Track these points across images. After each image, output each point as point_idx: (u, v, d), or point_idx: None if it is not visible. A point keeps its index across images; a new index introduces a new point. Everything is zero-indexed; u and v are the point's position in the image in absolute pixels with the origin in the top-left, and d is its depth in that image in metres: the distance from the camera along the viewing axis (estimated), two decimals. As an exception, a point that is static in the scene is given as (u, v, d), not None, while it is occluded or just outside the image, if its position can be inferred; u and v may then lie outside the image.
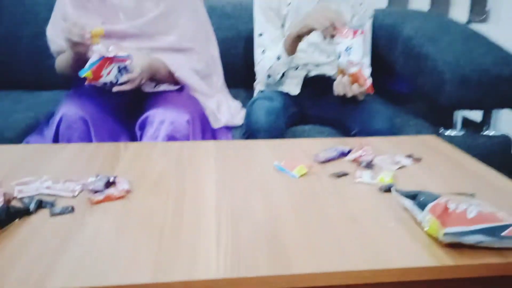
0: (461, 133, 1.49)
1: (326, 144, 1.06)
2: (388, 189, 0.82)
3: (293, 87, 1.52)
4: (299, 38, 1.36)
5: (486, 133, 1.50)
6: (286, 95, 1.50)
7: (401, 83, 1.79)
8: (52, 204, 0.73)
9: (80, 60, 1.24)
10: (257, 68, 1.54)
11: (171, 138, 1.18)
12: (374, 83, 1.30)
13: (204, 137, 1.30)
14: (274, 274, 0.58)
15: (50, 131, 1.17)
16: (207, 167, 0.92)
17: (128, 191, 0.79)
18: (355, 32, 1.24)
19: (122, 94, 1.22)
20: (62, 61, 1.38)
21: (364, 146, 1.01)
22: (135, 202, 0.77)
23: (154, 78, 1.36)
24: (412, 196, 0.73)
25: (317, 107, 1.51)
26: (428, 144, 1.10)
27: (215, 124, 1.41)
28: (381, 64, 1.70)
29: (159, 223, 0.70)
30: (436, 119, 1.53)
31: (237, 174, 0.89)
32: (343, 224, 0.71)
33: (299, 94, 1.51)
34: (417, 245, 0.65)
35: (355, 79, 1.27)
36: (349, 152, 1.00)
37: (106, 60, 1.15)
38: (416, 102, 1.72)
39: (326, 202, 0.78)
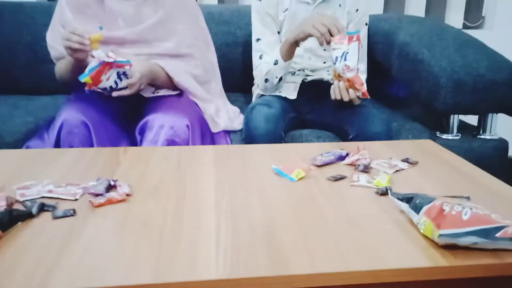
0: (458, 136, 1.50)
1: (324, 148, 1.07)
2: (384, 192, 0.84)
3: (290, 92, 1.54)
4: (296, 43, 1.38)
5: (482, 136, 1.52)
6: (284, 100, 1.51)
7: (398, 88, 1.81)
8: (54, 207, 0.74)
9: (80, 66, 1.25)
10: (255, 73, 1.56)
11: (170, 142, 1.19)
12: (371, 88, 1.32)
13: (203, 141, 1.31)
14: (272, 275, 0.59)
15: (51, 136, 1.18)
16: (206, 171, 0.94)
17: (128, 195, 0.80)
18: (350, 38, 1.25)
19: (122, 99, 1.24)
20: (61, 67, 1.39)
21: (361, 150, 1.02)
22: (136, 205, 0.78)
23: (154, 83, 1.37)
24: (408, 199, 0.75)
25: (314, 112, 1.53)
26: (424, 148, 1.11)
27: (214, 128, 1.43)
28: (377, 69, 1.72)
29: (159, 226, 0.71)
30: (432, 123, 1.55)
31: (236, 178, 0.90)
32: (341, 226, 0.72)
33: (296, 99, 1.53)
34: (414, 247, 0.67)
35: (351, 83, 1.28)
36: (346, 156, 1.02)
37: (105, 66, 1.16)
38: (413, 107, 1.73)
39: (323, 204, 0.80)
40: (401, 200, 0.76)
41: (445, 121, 1.51)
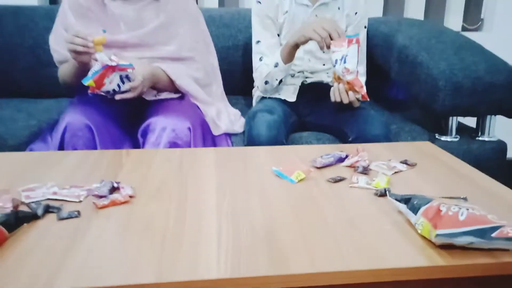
0: (456, 138, 1.51)
1: (324, 150, 1.08)
2: (383, 194, 0.85)
3: (290, 95, 1.55)
4: (296, 46, 1.40)
5: (481, 138, 1.53)
6: (285, 103, 1.52)
7: (397, 90, 1.82)
8: (59, 209, 0.76)
9: (83, 69, 1.26)
10: (255, 75, 1.57)
11: (172, 144, 1.21)
12: (370, 90, 1.33)
13: (204, 144, 1.32)
14: (273, 274, 0.60)
15: (54, 139, 1.19)
16: (208, 173, 0.95)
17: (131, 196, 0.82)
18: (350, 41, 1.27)
19: (125, 102, 1.25)
20: (64, 71, 1.40)
21: (360, 152, 1.03)
22: (139, 206, 0.79)
23: (155, 87, 1.39)
24: (406, 200, 0.76)
25: (314, 114, 1.54)
26: (422, 150, 1.13)
27: (215, 131, 1.44)
28: (377, 72, 1.74)
29: (162, 226, 0.72)
30: (431, 125, 1.56)
31: (237, 179, 0.92)
32: (340, 227, 0.73)
33: (296, 101, 1.54)
34: (412, 247, 0.68)
35: (351, 86, 1.29)
36: (345, 157, 1.03)
37: (108, 69, 1.18)
38: (412, 109, 1.74)
39: (323, 206, 0.81)
40: (399, 201, 0.77)
41: (444, 123, 1.52)
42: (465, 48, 1.51)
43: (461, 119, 1.55)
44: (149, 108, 1.36)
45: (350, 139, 1.36)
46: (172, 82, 1.40)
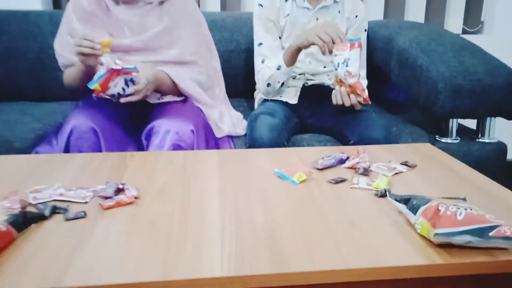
0: (457, 140, 1.52)
1: (325, 152, 1.10)
2: (383, 194, 0.86)
3: (291, 97, 1.56)
4: (299, 50, 1.41)
5: (481, 140, 1.54)
6: (286, 105, 1.54)
7: (397, 93, 1.83)
8: (65, 210, 0.77)
9: (89, 73, 1.28)
10: (257, 77, 1.59)
11: (176, 147, 1.22)
12: (371, 93, 1.34)
13: (207, 146, 1.34)
14: (274, 273, 0.62)
15: (60, 142, 1.21)
16: (211, 175, 0.96)
17: (136, 197, 0.83)
18: (352, 45, 1.28)
19: (129, 105, 1.27)
20: (69, 75, 1.42)
21: (361, 154, 1.05)
22: (143, 207, 0.81)
23: (159, 90, 1.40)
24: (406, 200, 0.77)
25: (316, 117, 1.55)
26: (423, 151, 1.14)
27: (218, 133, 1.45)
28: (377, 74, 1.75)
29: (167, 227, 0.73)
30: (431, 127, 1.57)
31: (240, 181, 0.93)
32: (341, 227, 0.74)
33: (297, 103, 1.55)
34: (411, 246, 0.69)
35: (353, 89, 1.31)
36: (346, 159, 1.04)
37: (113, 73, 1.20)
38: (412, 111, 1.76)
39: (324, 206, 0.82)
40: (399, 201, 0.78)
41: (444, 125, 1.53)
42: (464, 50, 1.53)
43: (461, 120, 1.56)
44: (153, 111, 1.38)
45: (351, 142, 1.37)
46: (175, 85, 1.42)
